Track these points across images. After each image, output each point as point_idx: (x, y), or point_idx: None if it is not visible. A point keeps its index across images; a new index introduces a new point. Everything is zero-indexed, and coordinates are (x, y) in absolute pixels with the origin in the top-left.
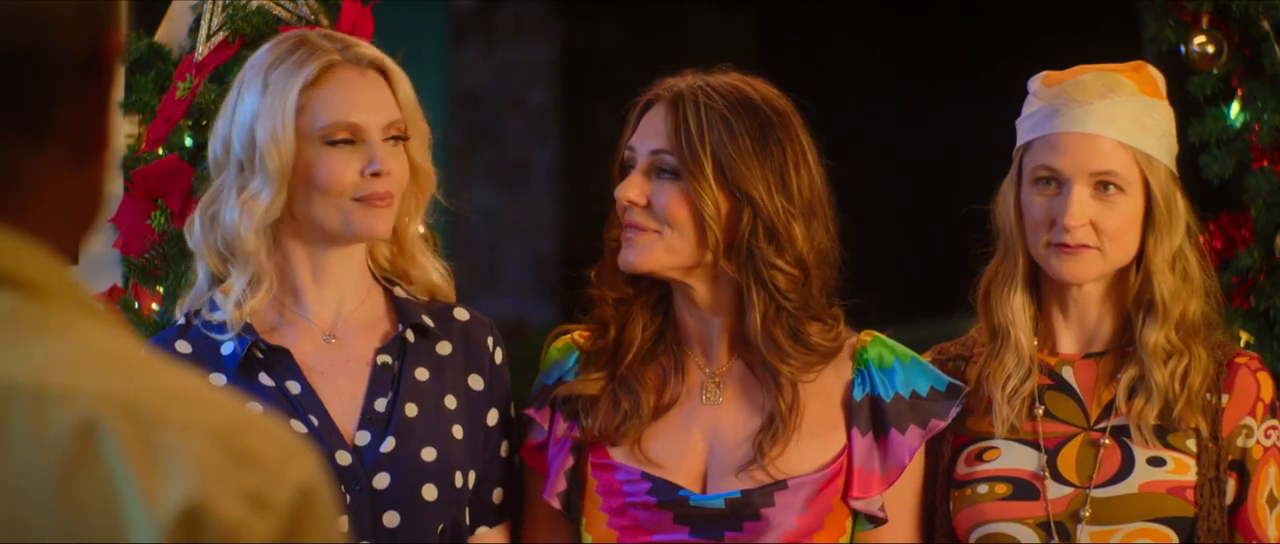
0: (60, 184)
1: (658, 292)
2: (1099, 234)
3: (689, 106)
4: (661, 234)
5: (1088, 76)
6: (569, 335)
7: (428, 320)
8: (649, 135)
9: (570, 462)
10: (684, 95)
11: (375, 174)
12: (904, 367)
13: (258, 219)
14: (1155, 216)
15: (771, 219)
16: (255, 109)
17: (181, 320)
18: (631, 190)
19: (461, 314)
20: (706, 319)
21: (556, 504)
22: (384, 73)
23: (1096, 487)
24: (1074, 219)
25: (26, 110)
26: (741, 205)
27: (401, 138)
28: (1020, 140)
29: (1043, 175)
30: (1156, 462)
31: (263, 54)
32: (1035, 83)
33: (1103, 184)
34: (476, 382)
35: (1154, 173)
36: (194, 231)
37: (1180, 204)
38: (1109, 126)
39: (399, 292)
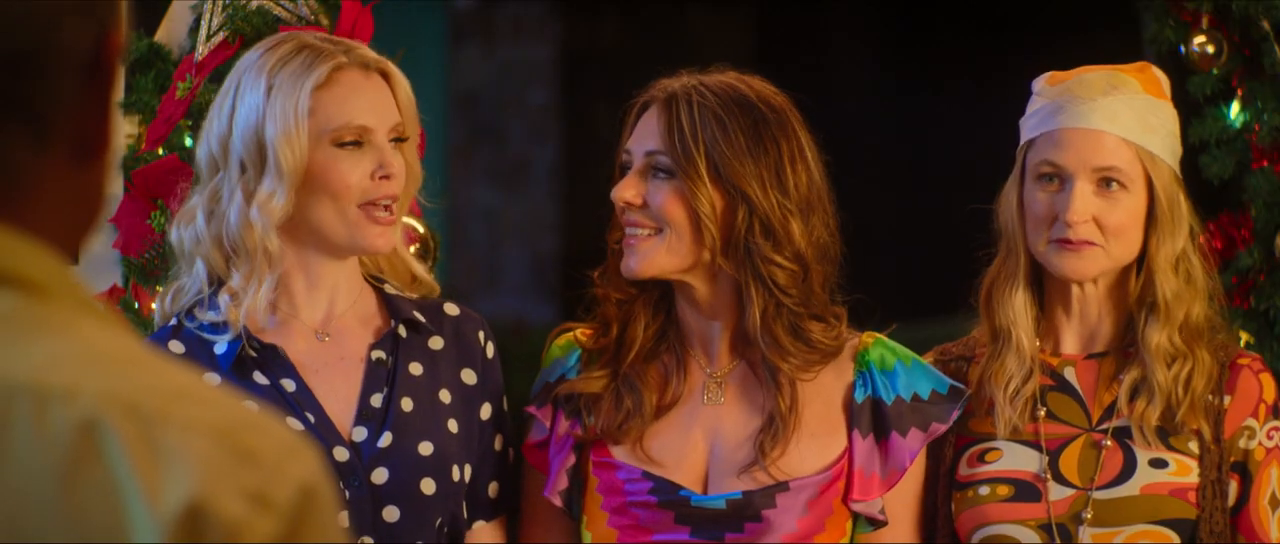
0: (61, 184)
1: (660, 290)
2: (1102, 231)
3: (682, 106)
4: (662, 234)
5: (1092, 74)
6: (571, 333)
7: (419, 316)
8: (644, 136)
9: (572, 460)
10: (677, 95)
11: (384, 177)
12: (906, 369)
13: (276, 219)
14: (1158, 215)
15: (768, 216)
16: (260, 109)
17: (173, 321)
18: (627, 191)
19: (452, 309)
20: (707, 319)
21: (558, 502)
22: (385, 76)
23: (1098, 488)
24: (1076, 214)
25: (28, 110)
26: (737, 203)
27: (402, 140)
28: (1023, 138)
29: (1046, 171)
30: (1158, 463)
31: (259, 55)
32: (1039, 82)
33: (1105, 181)
34: (469, 376)
35: (1157, 171)
36: (193, 229)
37: (1184, 206)
38: (1113, 123)
39: (389, 289)
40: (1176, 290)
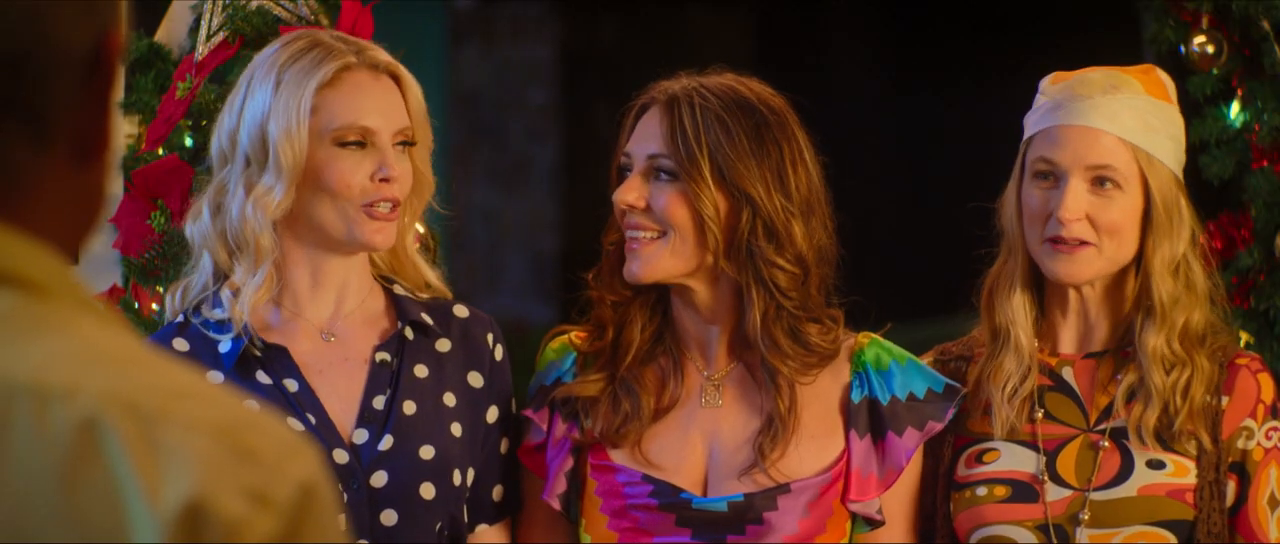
0: (61, 184)
1: (656, 292)
2: (1096, 230)
3: (684, 108)
4: (666, 237)
5: (1095, 73)
6: (566, 336)
7: (427, 318)
8: (645, 139)
9: (570, 463)
10: (678, 97)
11: (384, 179)
12: (901, 369)
13: (271, 214)
14: (1154, 217)
15: (771, 218)
16: (267, 105)
17: (179, 319)
18: (630, 194)
19: (461, 311)
20: (705, 322)
21: (556, 505)
22: (397, 79)
23: (1095, 489)
24: (1068, 212)
25: (27, 110)
26: (741, 205)
27: (409, 144)
28: (1025, 136)
29: (1041, 168)
30: (1156, 464)
31: (274, 51)
32: (1045, 82)
33: (1100, 179)
34: (476, 379)
35: (1154, 173)
36: (200, 222)
37: (1184, 210)
38: (1110, 122)
39: (399, 289)
40: (1174, 294)
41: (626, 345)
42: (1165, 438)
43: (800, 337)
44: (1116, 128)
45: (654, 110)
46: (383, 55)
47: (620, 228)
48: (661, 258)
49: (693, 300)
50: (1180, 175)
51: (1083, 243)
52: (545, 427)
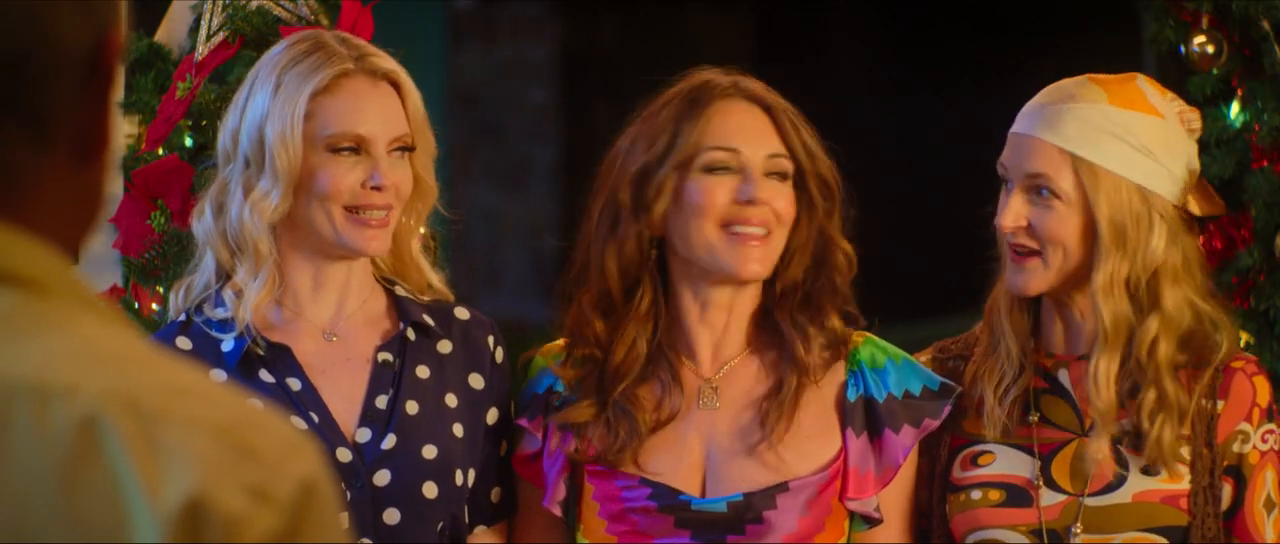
0: (61, 183)
1: (649, 297)
2: (1037, 239)
3: (776, 109)
4: (770, 236)
5: (1066, 81)
6: (547, 359)
7: (428, 319)
8: (759, 138)
9: (567, 469)
10: (762, 95)
11: (376, 187)
12: (896, 367)
13: (268, 219)
14: (1098, 232)
15: (841, 208)
16: (266, 108)
17: (182, 317)
18: (776, 197)
19: (462, 313)
20: (726, 320)
21: (557, 512)
22: (397, 85)
23: (1090, 495)
24: (1003, 219)
25: (27, 109)
26: (830, 199)
27: (408, 149)
28: None
29: (1000, 173)
30: (1150, 470)
31: (278, 52)
32: None
33: (1037, 188)
34: (477, 380)
35: (1100, 185)
36: (204, 220)
37: (1156, 225)
38: (1049, 130)
39: (400, 291)
40: (1119, 316)
41: (618, 370)
42: (1149, 466)
43: (825, 324)
44: (1055, 136)
45: (747, 108)
46: (384, 62)
47: (722, 222)
48: (770, 255)
49: (729, 299)
50: (1157, 188)
51: (1030, 252)
52: (540, 435)
